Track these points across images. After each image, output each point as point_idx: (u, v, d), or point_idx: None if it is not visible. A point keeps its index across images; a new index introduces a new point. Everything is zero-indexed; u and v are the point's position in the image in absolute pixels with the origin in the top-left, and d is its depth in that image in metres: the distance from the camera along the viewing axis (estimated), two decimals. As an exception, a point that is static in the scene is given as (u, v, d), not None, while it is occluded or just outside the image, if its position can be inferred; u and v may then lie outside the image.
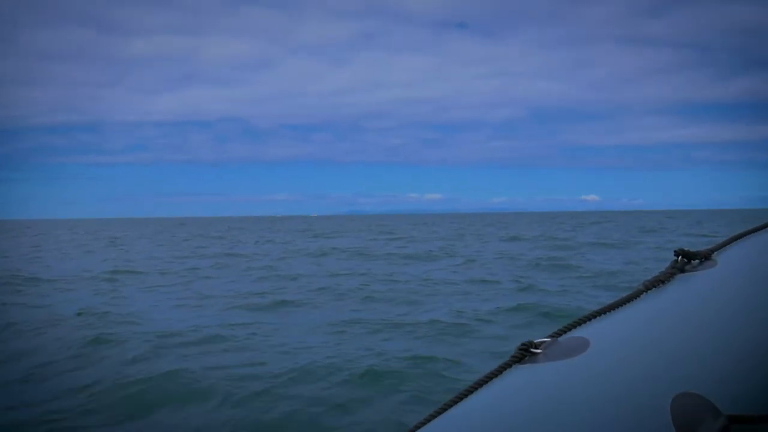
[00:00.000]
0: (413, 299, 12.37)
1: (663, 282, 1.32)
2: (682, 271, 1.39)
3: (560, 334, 1.14)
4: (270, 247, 32.35)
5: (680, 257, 1.42)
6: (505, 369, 1.05)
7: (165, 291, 14.45)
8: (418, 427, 0.96)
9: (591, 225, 62.06)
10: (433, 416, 0.98)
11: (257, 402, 5.94)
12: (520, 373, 1.03)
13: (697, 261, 1.44)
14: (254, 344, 8.27)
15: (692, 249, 1.46)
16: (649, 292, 1.29)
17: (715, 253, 1.50)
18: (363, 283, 14.92)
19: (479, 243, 33.43)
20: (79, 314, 10.39)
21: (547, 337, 1.12)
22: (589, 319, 1.18)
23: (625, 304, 1.23)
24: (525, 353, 1.07)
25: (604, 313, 1.20)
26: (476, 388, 1.02)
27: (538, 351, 1.08)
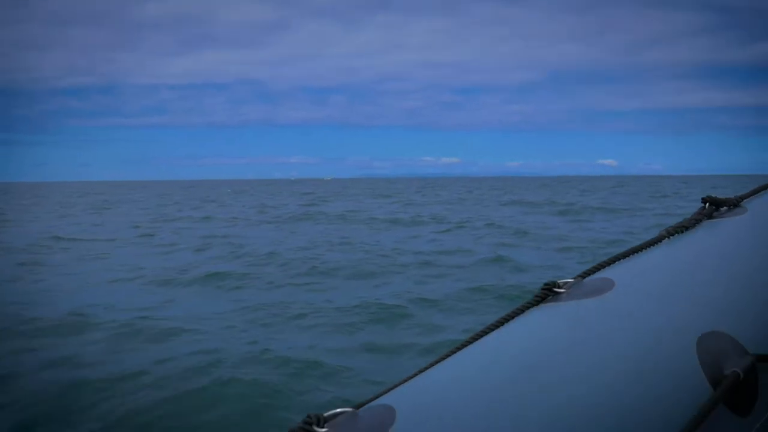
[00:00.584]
0: (363, 273, 10.79)
1: (687, 228, 1.27)
2: (710, 218, 1.33)
3: (585, 276, 1.10)
4: (253, 211, 30.79)
5: (708, 204, 1.34)
6: (528, 308, 1.03)
7: (97, 262, 12.99)
8: (438, 361, 0.95)
9: (603, 190, 59.95)
10: (453, 352, 0.97)
11: (56, 419, 4.40)
12: (543, 311, 1.02)
13: (725, 208, 1.36)
14: (126, 334, 6.75)
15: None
16: (674, 237, 1.23)
17: (745, 201, 1.42)
18: (319, 253, 13.33)
19: (477, 207, 31.73)
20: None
21: (571, 279, 1.08)
22: (614, 261, 1.14)
23: (649, 247, 1.20)
24: (549, 293, 1.05)
25: (629, 255, 1.16)
26: (498, 326, 1.01)
27: (562, 291, 1.04)
